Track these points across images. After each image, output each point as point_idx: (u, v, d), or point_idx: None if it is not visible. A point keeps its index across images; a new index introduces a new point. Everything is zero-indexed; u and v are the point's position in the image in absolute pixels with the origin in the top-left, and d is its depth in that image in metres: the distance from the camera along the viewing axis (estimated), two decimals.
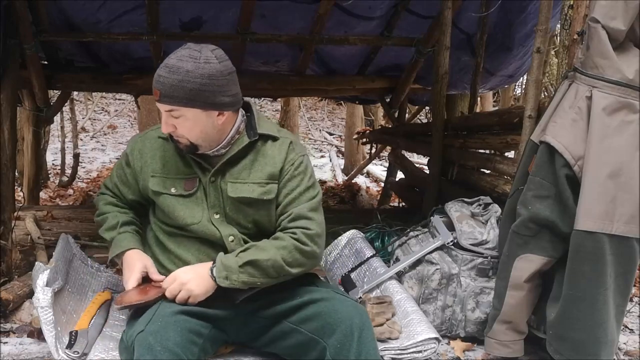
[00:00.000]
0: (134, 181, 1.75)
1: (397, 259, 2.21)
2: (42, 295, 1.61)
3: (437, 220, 2.25)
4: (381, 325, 1.77)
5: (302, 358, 1.58)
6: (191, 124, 1.57)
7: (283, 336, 1.61)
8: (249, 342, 1.69)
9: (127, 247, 1.69)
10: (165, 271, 1.68)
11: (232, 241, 1.65)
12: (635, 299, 2.76)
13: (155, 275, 1.65)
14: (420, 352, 1.67)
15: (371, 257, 2.21)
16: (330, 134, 12.05)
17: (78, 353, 1.57)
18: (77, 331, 1.68)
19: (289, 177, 1.66)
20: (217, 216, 1.66)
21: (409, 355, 1.66)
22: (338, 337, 1.49)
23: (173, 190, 1.66)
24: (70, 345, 1.61)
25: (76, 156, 6.39)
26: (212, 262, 1.58)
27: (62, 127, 6.84)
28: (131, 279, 1.62)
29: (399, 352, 1.67)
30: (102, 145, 9.41)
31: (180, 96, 1.52)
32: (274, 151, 1.69)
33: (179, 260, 1.67)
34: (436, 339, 1.70)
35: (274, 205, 1.67)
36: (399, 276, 2.13)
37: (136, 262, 1.65)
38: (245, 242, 1.65)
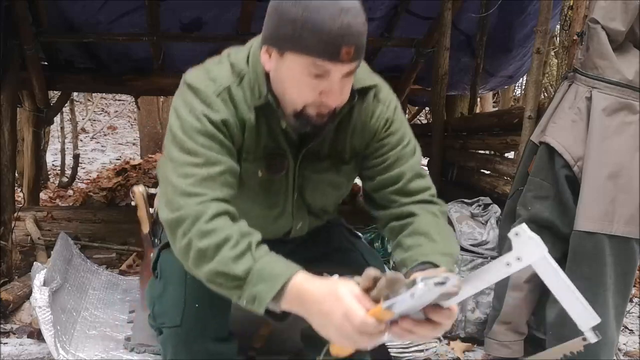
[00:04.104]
0: (231, 148, 1.15)
1: None
2: (40, 295, 1.61)
3: None
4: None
5: None
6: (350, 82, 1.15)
7: None
8: None
9: (290, 274, 0.97)
10: None
11: (299, 228, 1.36)
12: (635, 300, 2.75)
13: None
14: (422, 351, 1.67)
15: None
16: None
17: None
18: None
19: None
20: (295, 195, 1.29)
21: (410, 354, 1.66)
22: None
23: (260, 174, 1.22)
24: None
25: (76, 157, 6.38)
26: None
27: (62, 128, 6.83)
28: (357, 307, 0.88)
29: (400, 350, 1.67)
30: (102, 146, 9.40)
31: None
32: None
33: None
34: (437, 338, 1.70)
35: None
36: None
37: (334, 288, 0.93)
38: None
